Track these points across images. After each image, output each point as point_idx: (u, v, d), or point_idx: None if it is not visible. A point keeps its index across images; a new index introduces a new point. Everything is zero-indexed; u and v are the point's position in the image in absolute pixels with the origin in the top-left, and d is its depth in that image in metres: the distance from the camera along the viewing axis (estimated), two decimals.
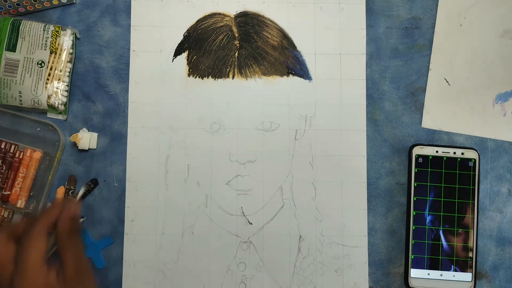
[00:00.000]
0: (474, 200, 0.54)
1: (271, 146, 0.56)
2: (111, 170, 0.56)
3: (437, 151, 0.54)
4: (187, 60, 0.56)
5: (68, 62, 0.55)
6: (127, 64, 0.57)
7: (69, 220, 0.43)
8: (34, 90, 0.53)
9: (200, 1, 0.57)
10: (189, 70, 0.56)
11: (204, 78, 0.56)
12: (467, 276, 0.53)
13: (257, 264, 0.55)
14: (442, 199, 0.54)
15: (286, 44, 0.57)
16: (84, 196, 0.54)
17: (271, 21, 0.57)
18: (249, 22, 0.57)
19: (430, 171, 0.54)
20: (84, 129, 0.56)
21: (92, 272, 0.44)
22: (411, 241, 0.53)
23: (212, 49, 0.57)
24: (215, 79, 0.56)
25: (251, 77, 0.56)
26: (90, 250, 0.54)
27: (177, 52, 0.57)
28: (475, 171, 0.54)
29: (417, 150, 0.54)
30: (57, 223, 0.43)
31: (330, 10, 0.58)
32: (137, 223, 0.55)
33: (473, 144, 0.57)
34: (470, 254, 0.53)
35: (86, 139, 0.55)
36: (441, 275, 0.53)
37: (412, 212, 0.54)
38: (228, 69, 0.56)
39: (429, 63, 0.57)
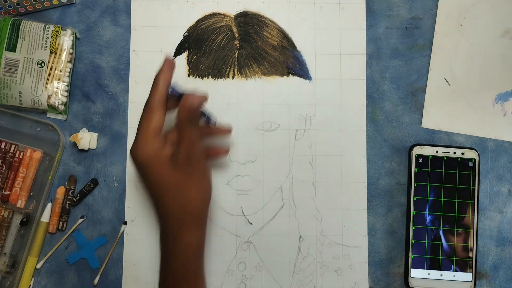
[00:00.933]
0: (474, 200, 0.54)
1: (271, 146, 0.56)
2: (111, 170, 0.56)
3: (437, 151, 0.54)
4: (187, 60, 0.56)
5: (68, 62, 0.55)
6: (127, 64, 0.57)
7: (189, 109, 0.44)
8: (34, 90, 0.53)
9: (200, 1, 0.57)
10: (189, 70, 0.56)
11: (204, 78, 0.56)
12: (467, 276, 0.53)
13: (257, 264, 0.55)
14: (442, 199, 0.54)
15: (286, 44, 0.57)
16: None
17: (271, 21, 0.57)
18: (249, 22, 0.57)
19: (430, 171, 0.54)
20: (84, 129, 0.56)
21: (204, 159, 0.46)
22: (411, 241, 0.53)
23: (212, 49, 0.57)
24: (215, 79, 0.56)
25: (251, 77, 0.56)
26: (84, 250, 0.54)
27: (177, 52, 0.57)
28: (475, 171, 0.54)
29: (417, 150, 0.54)
30: (178, 110, 0.45)
31: (330, 10, 0.58)
32: (137, 223, 0.55)
33: (473, 144, 0.57)
34: (470, 254, 0.53)
35: (86, 139, 0.55)
36: (441, 275, 0.53)
37: (412, 212, 0.54)
38: (228, 69, 0.56)
39: (429, 63, 0.57)
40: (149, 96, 0.45)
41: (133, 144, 0.45)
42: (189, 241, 0.45)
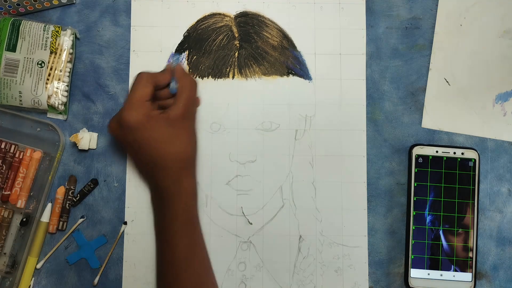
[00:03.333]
0: (474, 200, 0.54)
1: (271, 146, 0.56)
2: (111, 170, 0.56)
3: (437, 151, 0.54)
4: (187, 60, 0.56)
5: (68, 62, 0.55)
6: (127, 64, 0.57)
7: (187, 76, 0.52)
8: (34, 90, 0.53)
9: (200, 1, 0.57)
10: (189, 70, 0.56)
11: (204, 78, 0.56)
12: (467, 276, 0.53)
13: (257, 264, 0.55)
14: (442, 199, 0.54)
15: (286, 44, 0.57)
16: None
17: (271, 21, 0.57)
18: (249, 22, 0.57)
19: (430, 171, 0.54)
20: (84, 129, 0.56)
21: (195, 114, 0.53)
22: (411, 241, 0.53)
23: (212, 49, 0.57)
24: (215, 79, 0.56)
25: (251, 77, 0.56)
26: (84, 250, 0.54)
27: (177, 52, 0.57)
28: (475, 171, 0.54)
29: (417, 150, 0.54)
30: (178, 72, 0.51)
31: (330, 10, 0.58)
32: (137, 223, 0.55)
33: (473, 144, 0.57)
34: (470, 254, 0.53)
35: (86, 139, 0.55)
36: (441, 275, 0.53)
37: (412, 212, 0.54)
38: (228, 69, 0.56)
39: (429, 63, 0.57)
40: (143, 72, 0.50)
41: (122, 110, 0.48)
42: (187, 186, 0.49)
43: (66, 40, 0.55)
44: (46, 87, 0.54)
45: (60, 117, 0.56)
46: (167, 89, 0.51)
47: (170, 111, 0.49)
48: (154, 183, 0.50)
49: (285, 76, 0.57)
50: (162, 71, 0.52)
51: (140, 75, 0.50)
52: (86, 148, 0.55)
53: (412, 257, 0.53)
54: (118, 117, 0.49)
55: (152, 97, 0.50)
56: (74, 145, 0.55)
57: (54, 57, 0.54)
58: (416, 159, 0.54)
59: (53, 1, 0.56)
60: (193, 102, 0.52)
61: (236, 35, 0.57)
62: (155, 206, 0.52)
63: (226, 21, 0.57)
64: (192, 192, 0.51)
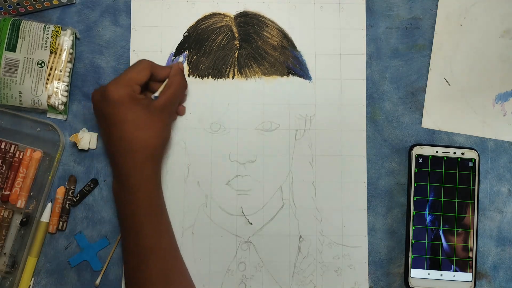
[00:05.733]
0: (474, 200, 0.54)
1: (271, 146, 0.56)
2: (111, 170, 0.56)
3: (437, 151, 0.54)
4: (187, 60, 0.56)
5: (68, 62, 0.55)
6: (127, 64, 0.57)
7: (181, 74, 0.53)
8: (34, 90, 0.53)
9: (200, 1, 0.57)
10: (189, 70, 0.56)
11: (204, 78, 0.56)
12: (467, 276, 0.53)
13: (257, 264, 0.55)
14: (442, 199, 0.54)
15: (286, 44, 0.57)
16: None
17: (271, 21, 0.57)
18: (249, 22, 0.57)
19: (430, 171, 0.54)
20: (84, 129, 0.56)
21: (174, 112, 0.55)
22: (411, 241, 0.53)
23: (212, 49, 0.57)
24: (215, 79, 0.56)
25: (251, 77, 0.56)
26: (86, 252, 0.54)
27: (177, 52, 0.57)
28: (475, 171, 0.54)
29: (417, 150, 0.54)
30: (174, 68, 0.53)
31: (330, 10, 0.58)
32: None
33: (473, 144, 0.57)
34: (470, 254, 0.53)
35: (86, 139, 0.55)
36: (441, 275, 0.53)
37: (412, 212, 0.54)
38: (228, 69, 0.56)
39: (429, 63, 0.57)
40: (145, 59, 0.52)
41: (110, 83, 0.49)
42: (150, 175, 0.50)
43: (66, 40, 0.55)
44: (46, 87, 0.54)
45: (60, 117, 0.56)
46: (160, 83, 0.52)
47: (153, 99, 0.51)
48: (118, 167, 0.50)
49: (285, 76, 0.57)
50: (164, 66, 0.53)
51: (141, 60, 0.51)
52: (86, 148, 0.55)
53: (412, 257, 0.53)
54: (104, 88, 0.49)
55: (143, 84, 0.51)
56: (74, 145, 0.55)
57: (54, 57, 0.54)
58: (416, 159, 0.54)
59: (53, 1, 0.56)
60: (176, 100, 0.53)
61: (236, 35, 0.57)
62: (118, 193, 0.51)
63: (226, 21, 0.57)
64: (154, 182, 0.50)
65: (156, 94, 0.51)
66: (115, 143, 0.49)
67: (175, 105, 0.53)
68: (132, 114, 0.48)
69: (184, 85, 0.54)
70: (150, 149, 0.49)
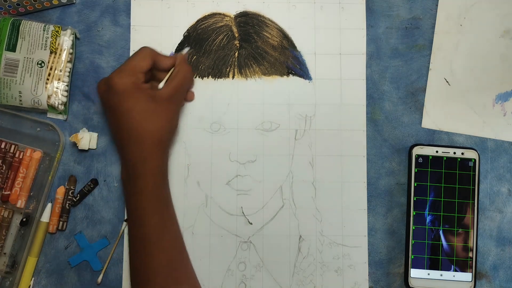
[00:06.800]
0: (474, 200, 0.54)
1: (271, 146, 0.56)
2: (111, 170, 0.56)
3: (437, 151, 0.54)
4: (187, 60, 0.56)
5: (68, 62, 0.55)
6: None
7: (186, 67, 0.53)
8: (34, 90, 0.53)
9: (200, 1, 0.57)
10: None
11: (204, 78, 0.56)
12: (467, 276, 0.53)
13: (257, 264, 0.55)
14: (442, 199, 0.54)
15: (286, 44, 0.57)
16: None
17: (271, 21, 0.57)
18: (249, 22, 0.57)
19: (430, 171, 0.54)
20: (84, 129, 0.56)
21: (183, 100, 0.55)
22: (411, 241, 0.53)
23: (212, 49, 0.57)
24: (215, 79, 0.56)
25: (251, 77, 0.56)
26: (86, 252, 0.54)
27: (177, 52, 0.57)
28: (475, 171, 0.54)
29: (417, 150, 0.54)
30: (179, 58, 0.53)
31: (330, 10, 0.58)
32: None
33: (473, 144, 0.57)
34: (470, 254, 0.53)
35: (86, 139, 0.55)
36: (441, 275, 0.53)
37: (412, 212, 0.54)
38: (228, 69, 0.56)
39: (429, 63, 0.57)
40: (147, 46, 0.52)
41: (114, 73, 0.49)
42: (156, 165, 0.49)
43: (66, 40, 0.55)
44: (46, 87, 0.54)
45: (60, 117, 0.56)
46: (164, 73, 0.53)
47: (158, 89, 0.51)
48: (125, 157, 0.50)
49: (285, 76, 0.57)
50: (167, 56, 0.54)
51: (143, 48, 0.51)
52: (86, 148, 0.55)
53: (412, 257, 0.53)
54: (108, 78, 0.49)
55: (147, 72, 0.50)
56: (74, 145, 0.55)
57: (54, 57, 0.54)
58: (416, 159, 0.54)
59: (53, 1, 0.56)
60: (183, 89, 0.53)
61: (236, 35, 0.57)
62: (126, 183, 0.51)
63: (226, 21, 0.57)
64: (160, 172, 0.50)
65: (161, 84, 0.51)
66: (122, 132, 0.49)
67: (183, 94, 0.54)
68: (138, 103, 0.48)
69: (190, 74, 0.54)
70: (157, 138, 0.49)
